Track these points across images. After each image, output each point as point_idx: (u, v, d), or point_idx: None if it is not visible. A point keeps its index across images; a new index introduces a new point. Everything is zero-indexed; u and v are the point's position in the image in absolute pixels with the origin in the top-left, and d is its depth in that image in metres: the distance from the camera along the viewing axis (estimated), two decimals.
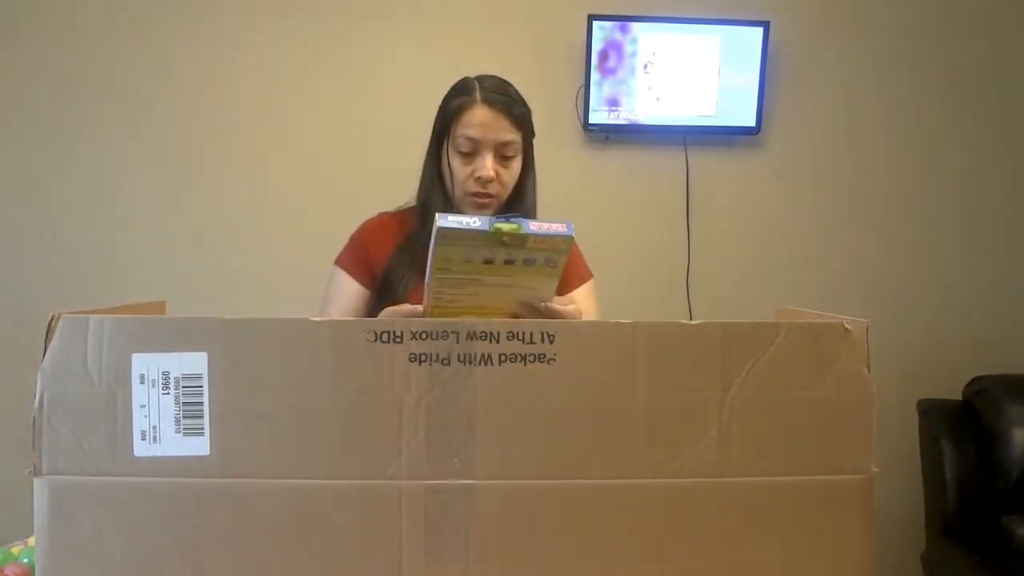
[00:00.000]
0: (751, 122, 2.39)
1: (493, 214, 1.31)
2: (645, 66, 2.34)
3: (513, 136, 1.32)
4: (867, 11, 2.47)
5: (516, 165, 1.34)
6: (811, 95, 2.48)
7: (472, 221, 0.92)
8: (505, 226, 0.91)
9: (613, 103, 2.35)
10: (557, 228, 0.93)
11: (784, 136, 2.48)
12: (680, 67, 2.34)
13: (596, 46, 2.31)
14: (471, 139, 1.30)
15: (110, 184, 2.37)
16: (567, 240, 0.94)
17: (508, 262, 0.95)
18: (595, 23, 2.30)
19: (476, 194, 1.32)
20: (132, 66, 2.35)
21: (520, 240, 0.93)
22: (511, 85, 1.35)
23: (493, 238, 0.92)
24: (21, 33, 2.32)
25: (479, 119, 1.30)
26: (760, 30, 2.34)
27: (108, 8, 2.33)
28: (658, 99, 2.36)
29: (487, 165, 1.30)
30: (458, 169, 1.32)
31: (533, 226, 0.93)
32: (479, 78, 1.34)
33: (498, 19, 2.40)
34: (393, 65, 2.37)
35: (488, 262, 0.95)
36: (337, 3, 2.37)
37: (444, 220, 0.91)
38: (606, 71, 2.33)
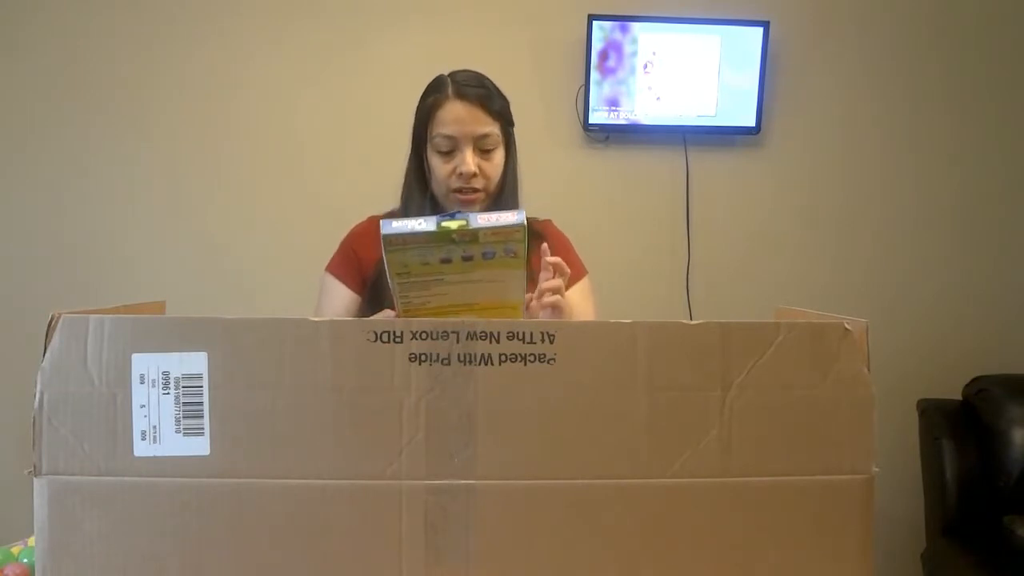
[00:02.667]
0: (751, 122, 2.39)
1: (481, 209, 1.31)
2: (645, 66, 2.34)
3: (490, 128, 1.30)
4: (867, 11, 2.47)
5: (498, 157, 1.33)
6: (811, 95, 2.48)
7: (417, 223, 0.89)
8: (452, 223, 0.89)
9: (613, 103, 2.35)
10: (507, 218, 0.91)
11: (784, 136, 2.47)
12: (680, 67, 2.34)
13: (596, 46, 2.31)
14: (448, 136, 1.29)
15: (110, 185, 2.37)
16: (520, 229, 0.91)
17: (466, 258, 0.93)
18: (595, 23, 2.30)
19: (460, 190, 1.31)
20: (134, 68, 2.35)
21: (471, 235, 0.90)
22: (487, 78, 1.34)
23: (442, 236, 0.89)
24: (26, 35, 2.32)
25: (454, 115, 1.29)
26: (760, 30, 2.34)
27: (111, 12, 2.33)
28: (658, 99, 2.36)
29: (468, 160, 1.29)
30: (439, 168, 1.31)
31: (481, 219, 0.90)
32: (452, 73, 1.34)
33: (498, 19, 2.39)
34: (393, 67, 2.36)
35: (446, 261, 0.93)
36: (337, 7, 2.37)
37: (387, 227, 0.89)
38: (606, 71, 2.33)
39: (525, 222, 0.91)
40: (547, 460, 0.66)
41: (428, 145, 1.33)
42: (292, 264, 2.33)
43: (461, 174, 1.29)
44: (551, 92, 2.39)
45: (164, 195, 2.38)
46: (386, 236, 0.89)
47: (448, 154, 1.30)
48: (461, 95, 1.30)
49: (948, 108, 2.51)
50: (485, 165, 1.31)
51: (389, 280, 0.95)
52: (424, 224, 0.89)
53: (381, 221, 0.89)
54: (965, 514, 2.15)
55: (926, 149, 2.51)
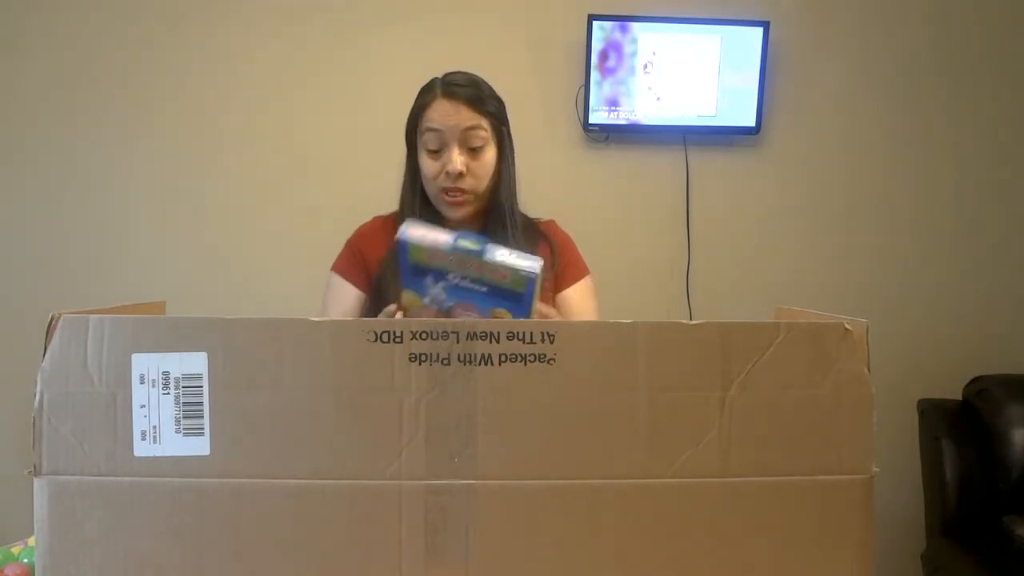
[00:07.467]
0: (751, 122, 2.39)
1: (471, 212, 1.33)
2: (645, 66, 2.33)
3: (476, 122, 1.29)
4: (867, 12, 2.47)
5: (487, 157, 1.32)
6: (811, 95, 2.48)
7: (438, 234, 0.94)
8: (468, 243, 0.93)
9: (613, 103, 2.35)
10: (523, 261, 0.93)
11: (784, 136, 2.47)
12: (680, 67, 2.34)
13: (596, 46, 2.31)
14: (434, 131, 1.29)
15: (110, 185, 2.37)
16: (530, 275, 0.92)
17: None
18: (595, 23, 2.30)
19: (447, 190, 1.30)
20: (134, 68, 2.35)
21: (480, 264, 0.93)
22: (480, 79, 1.34)
23: (455, 252, 0.93)
24: (25, 35, 2.32)
25: (439, 112, 1.29)
26: (760, 30, 2.34)
27: (111, 11, 2.33)
28: (658, 99, 2.35)
29: (454, 159, 1.28)
30: (428, 166, 1.31)
31: (498, 254, 0.93)
32: (444, 75, 1.34)
33: (498, 19, 2.39)
34: (393, 67, 2.36)
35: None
36: (337, 7, 2.37)
37: (405, 232, 0.94)
38: (606, 71, 2.33)
39: (538, 271, 0.92)
40: (547, 460, 0.66)
41: (419, 144, 1.33)
42: (293, 264, 2.34)
43: (448, 173, 1.28)
44: (551, 92, 2.39)
45: (164, 195, 2.38)
46: (409, 241, 0.93)
47: (436, 152, 1.30)
48: (448, 93, 1.30)
49: (948, 108, 2.51)
50: (473, 165, 1.30)
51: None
52: (443, 236, 0.93)
53: (404, 223, 0.94)
54: (965, 514, 2.14)
55: (926, 149, 2.51)
